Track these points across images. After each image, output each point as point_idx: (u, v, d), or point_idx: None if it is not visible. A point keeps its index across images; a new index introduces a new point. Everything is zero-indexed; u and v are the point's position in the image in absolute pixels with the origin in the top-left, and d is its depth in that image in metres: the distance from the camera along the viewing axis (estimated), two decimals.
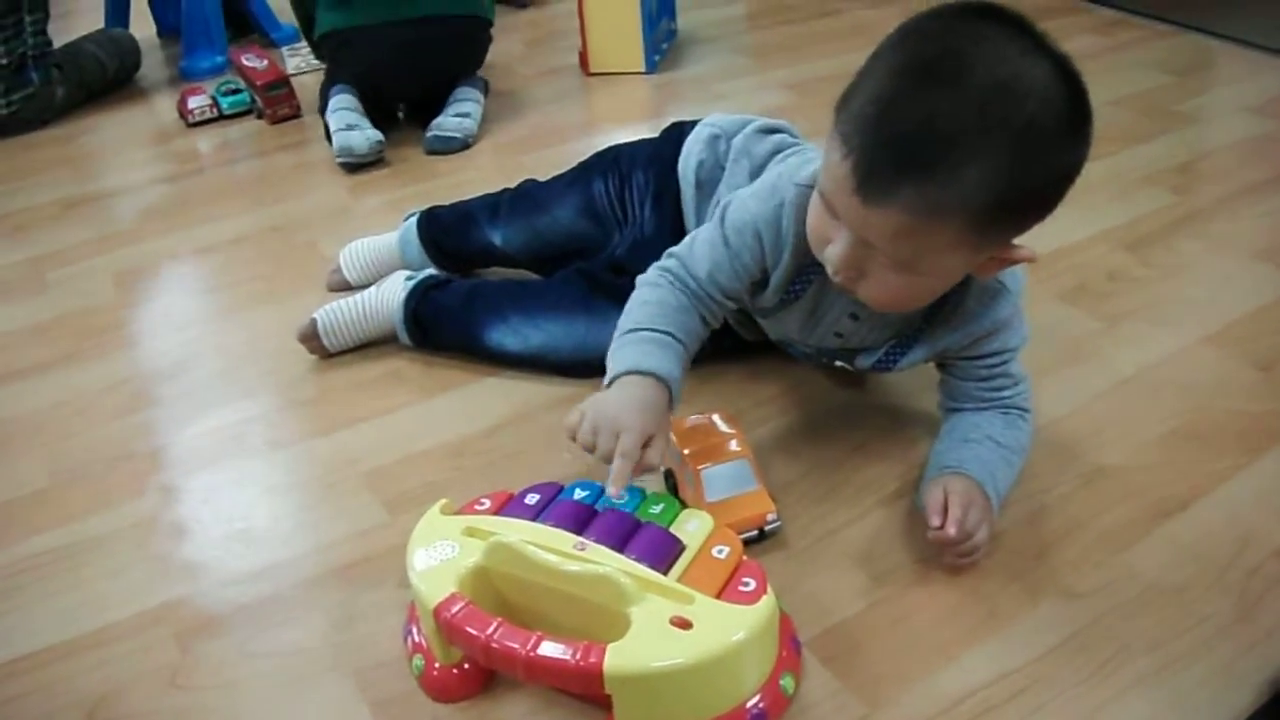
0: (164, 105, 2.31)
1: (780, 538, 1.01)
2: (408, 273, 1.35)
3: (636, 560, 0.83)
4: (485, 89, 2.09)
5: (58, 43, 2.26)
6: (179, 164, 2.02)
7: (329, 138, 1.90)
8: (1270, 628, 0.89)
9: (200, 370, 1.36)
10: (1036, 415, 1.07)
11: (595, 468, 0.95)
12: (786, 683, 0.84)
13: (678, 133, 1.30)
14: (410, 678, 0.89)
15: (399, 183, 1.84)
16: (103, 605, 1.00)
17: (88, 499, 1.14)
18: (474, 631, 0.80)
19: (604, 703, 0.79)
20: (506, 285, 1.34)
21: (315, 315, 1.32)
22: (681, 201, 1.25)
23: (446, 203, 1.47)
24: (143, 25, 2.66)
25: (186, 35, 2.48)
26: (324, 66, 2.12)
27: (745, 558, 0.87)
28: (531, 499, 0.93)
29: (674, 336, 0.98)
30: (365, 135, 1.85)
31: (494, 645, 0.79)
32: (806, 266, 1.00)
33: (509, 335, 1.26)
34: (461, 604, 0.82)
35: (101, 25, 2.54)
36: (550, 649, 0.77)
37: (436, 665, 0.87)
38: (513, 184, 1.44)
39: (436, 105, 1.99)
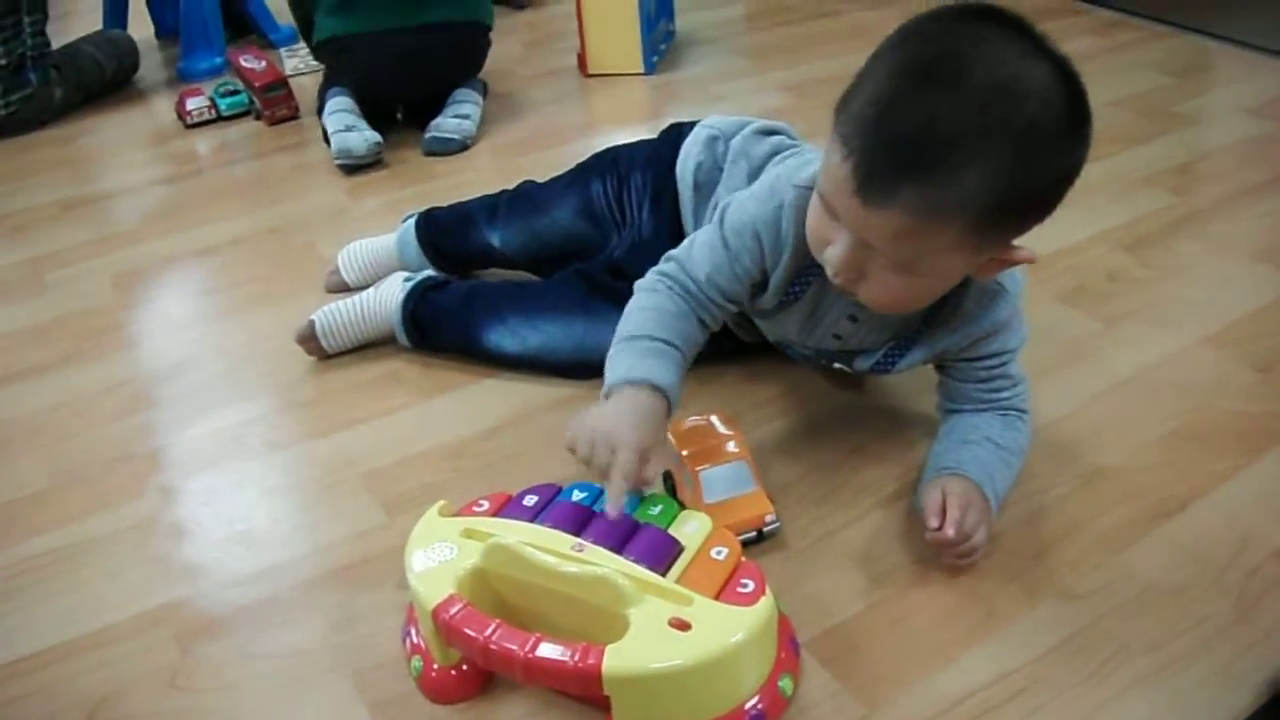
0: (162, 106, 2.32)
1: (779, 539, 1.01)
2: (406, 274, 1.35)
3: (635, 562, 0.83)
4: (484, 90, 2.09)
5: (56, 44, 2.26)
6: (177, 165, 2.02)
7: (326, 140, 1.90)
8: (1269, 628, 0.89)
9: (199, 372, 1.36)
10: (1035, 416, 1.08)
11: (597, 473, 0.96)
12: (785, 684, 0.84)
13: (676, 134, 1.30)
14: (409, 679, 0.89)
15: (397, 184, 1.84)
16: (102, 606, 1.00)
17: (87, 500, 1.14)
18: (472, 633, 0.80)
19: (602, 704, 0.79)
20: (505, 287, 1.34)
21: (313, 317, 1.32)
22: (679, 203, 1.25)
23: (445, 204, 1.47)
24: (141, 26, 2.66)
25: (185, 36, 2.48)
26: (322, 68, 2.12)
27: (744, 559, 0.87)
28: (530, 500, 0.93)
29: (671, 344, 0.98)
30: (363, 137, 1.85)
31: (492, 646, 0.79)
32: (806, 268, 1.00)
33: (507, 336, 1.26)
34: (460, 605, 0.82)
35: (100, 26, 2.54)
36: (549, 650, 0.77)
37: (435, 666, 0.87)
38: (511, 185, 1.45)
39: (435, 107, 1.99)
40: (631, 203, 1.31)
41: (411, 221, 1.45)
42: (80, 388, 1.34)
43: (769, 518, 0.99)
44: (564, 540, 0.86)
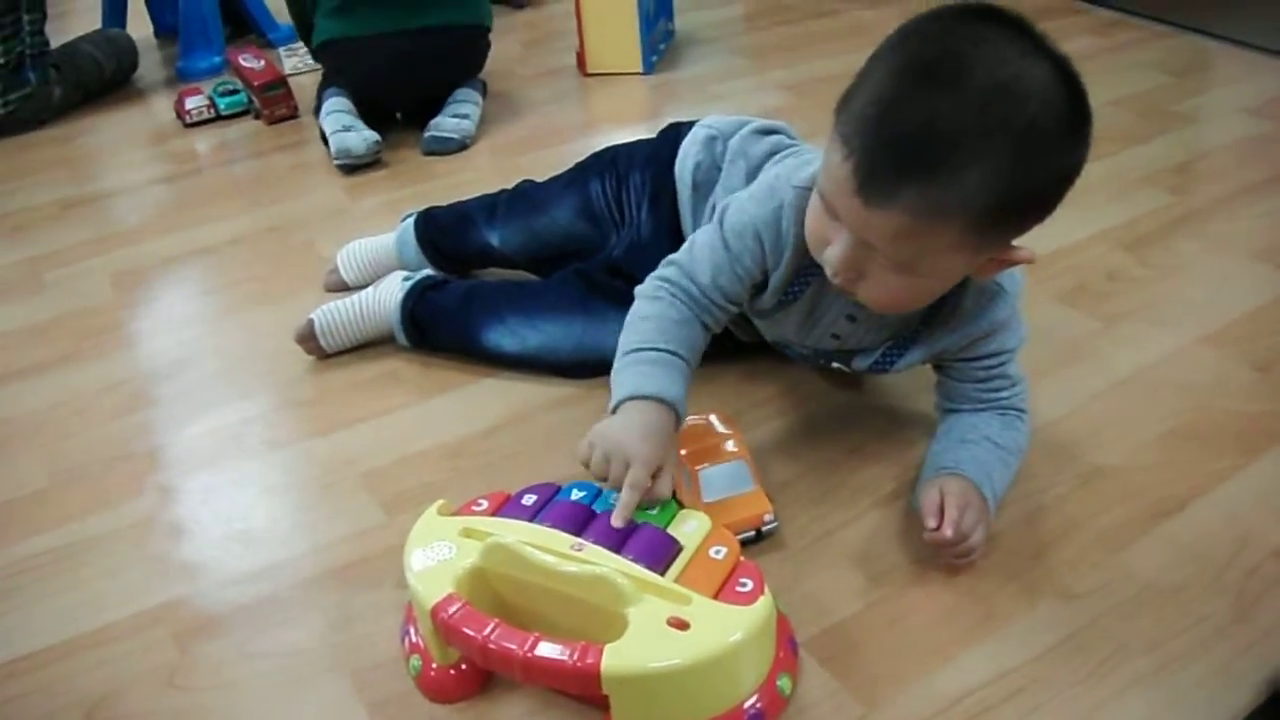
0: (161, 106, 2.32)
1: (777, 538, 1.01)
2: (405, 273, 1.35)
3: (634, 561, 0.83)
4: (483, 90, 2.09)
5: (55, 43, 2.26)
6: (176, 164, 2.02)
7: (324, 141, 1.90)
8: (1268, 628, 0.89)
9: (198, 371, 1.36)
10: (1034, 416, 1.08)
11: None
12: (784, 683, 0.84)
13: (674, 134, 1.30)
14: (408, 678, 0.89)
15: (396, 183, 1.84)
16: (101, 605, 1.00)
17: (86, 499, 1.14)
18: (471, 632, 0.80)
19: (601, 703, 0.79)
20: (504, 286, 1.34)
21: (313, 316, 1.32)
22: (678, 202, 1.25)
23: (444, 203, 1.47)
24: (140, 25, 2.66)
25: (184, 35, 2.48)
26: (321, 68, 2.12)
27: (742, 558, 0.87)
28: (529, 500, 0.93)
29: (675, 353, 0.98)
30: (362, 136, 1.85)
31: (491, 646, 0.79)
32: (805, 268, 1.00)
33: (506, 336, 1.26)
34: (459, 605, 0.82)
35: (99, 25, 2.54)
36: (548, 649, 0.77)
37: (434, 666, 0.87)
38: (510, 185, 1.44)
39: (434, 107, 1.99)
40: (630, 202, 1.31)
41: (410, 221, 1.45)
42: (79, 387, 1.34)
43: (768, 517, 0.99)
44: (563, 539, 0.86)
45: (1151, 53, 2.20)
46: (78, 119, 2.26)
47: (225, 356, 1.38)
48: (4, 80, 2.12)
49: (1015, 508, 1.03)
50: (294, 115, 2.15)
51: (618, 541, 0.86)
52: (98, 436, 1.24)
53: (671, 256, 1.05)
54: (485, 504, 0.94)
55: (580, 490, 0.94)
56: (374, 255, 1.47)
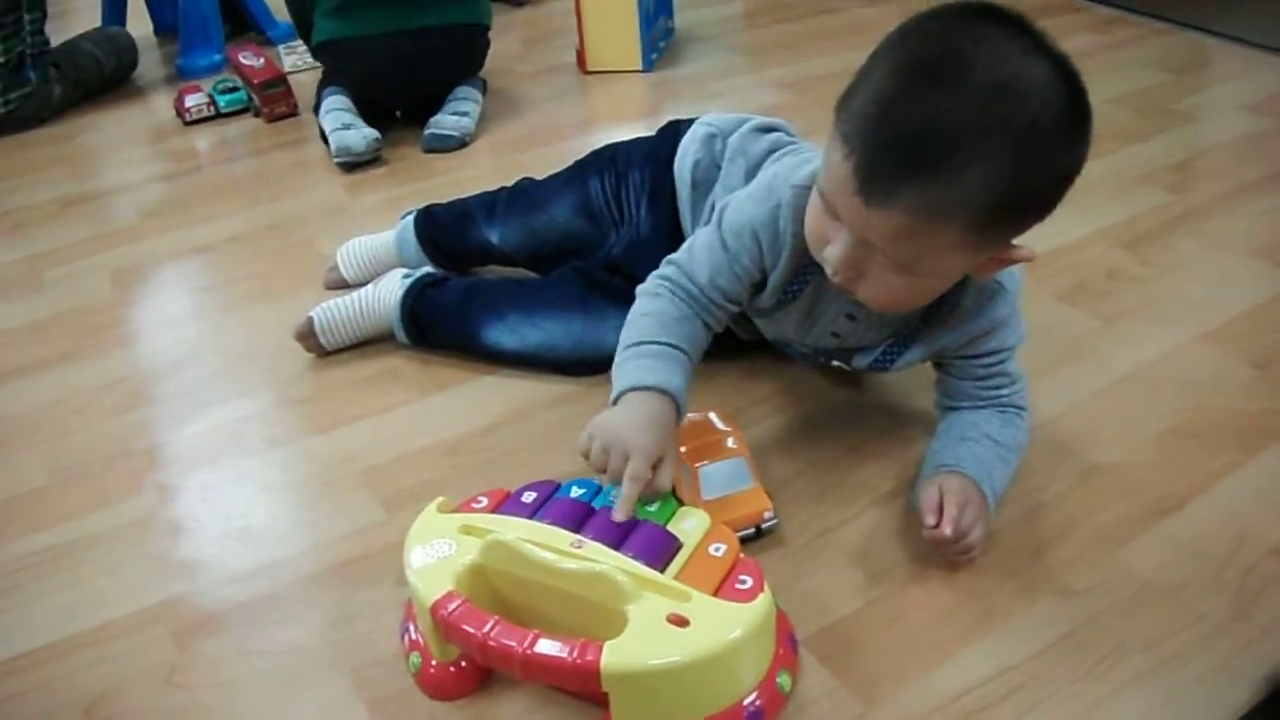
0: (161, 103, 2.31)
1: (777, 536, 1.01)
2: (405, 271, 1.35)
3: (633, 558, 0.83)
4: (483, 88, 2.09)
5: (55, 41, 2.26)
6: (176, 162, 2.02)
7: (324, 139, 1.90)
8: (1266, 625, 0.89)
9: (198, 368, 1.36)
10: (1034, 413, 1.08)
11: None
12: (783, 680, 0.84)
13: (674, 131, 1.30)
14: (407, 675, 0.89)
15: (396, 181, 1.84)
16: (101, 603, 1.00)
17: (86, 497, 1.14)
18: (471, 629, 0.80)
19: (601, 700, 0.79)
20: (504, 283, 1.34)
21: (312, 313, 1.32)
22: (677, 200, 1.25)
23: (444, 201, 1.47)
24: (140, 23, 2.66)
25: (183, 33, 2.48)
26: (320, 66, 2.12)
27: (742, 555, 0.87)
28: (528, 497, 0.93)
29: (676, 347, 0.98)
30: (362, 134, 1.85)
31: (491, 643, 0.79)
32: (804, 267, 1.00)
33: (506, 333, 1.26)
34: (458, 602, 0.82)
35: (98, 24, 2.54)
36: (547, 647, 0.77)
37: (433, 663, 0.87)
38: (510, 182, 1.44)
39: (434, 105, 1.99)
40: (629, 200, 1.31)
41: (410, 218, 1.45)
42: (79, 385, 1.34)
43: (767, 514, 0.99)
44: (562, 537, 0.86)
45: (1151, 50, 2.20)
46: (78, 117, 2.26)
47: (225, 354, 1.38)
48: (4, 79, 2.12)
49: (1014, 505, 1.03)
50: (294, 113, 2.15)
51: (617, 538, 0.86)
52: (97, 434, 1.24)
53: (671, 256, 1.05)
54: (485, 501, 0.94)
55: (580, 487, 0.94)
56: (374, 253, 1.47)
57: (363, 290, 1.34)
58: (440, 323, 1.30)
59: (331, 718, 0.88)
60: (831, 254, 0.89)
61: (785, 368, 1.24)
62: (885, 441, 1.13)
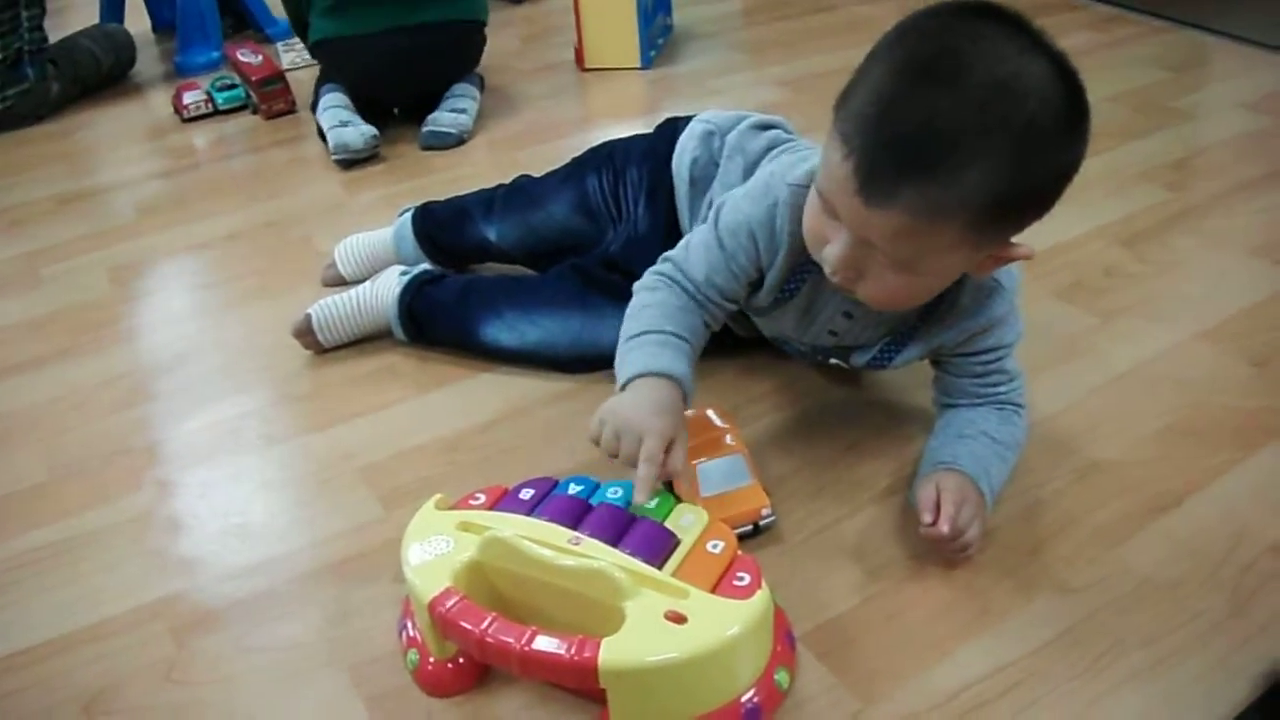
0: (159, 101, 2.31)
1: (775, 533, 1.01)
2: (402, 268, 1.35)
3: (631, 555, 0.83)
4: (481, 85, 2.09)
5: (53, 38, 2.26)
6: (174, 159, 2.02)
7: (322, 136, 1.90)
8: (1264, 622, 0.89)
9: (196, 365, 1.36)
10: (1031, 411, 1.08)
11: (601, 465, 0.96)
12: (781, 677, 0.84)
13: (672, 129, 1.30)
14: (405, 672, 0.89)
15: (394, 178, 1.84)
16: (99, 600, 1.00)
17: (84, 494, 1.14)
18: (468, 626, 0.80)
19: (599, 697, 0.79)
20: (501, 281, 1.34)
21: (310, 310, 1.32)
22: (675, 198, 1.25)
23: (441, 198, 1.47)
24: (138, 20, 2.65)
25: (181, 30, 2.48)
26: (318, 64, 2.12)
27: (740, 552, 0.87)
28: (526, 494, 0.93)
29: (679, 336, 0.98)
30: (360, 131, 1.85)
31: (488, 640, 0.79)
32: (801, 265, 1.00)
33: (504, 331, 1.26)
34: (456, 598, 0.82)
35: (96, 20, 2.53)
36: (545, 643, 0.77)
37: (431, 660, 0.87)
38: (508, 179, 1.44)
39: (432, 102, 1.99)
40: (627, 197, 1.31)
41: (408, 216, 1.45)
42: (77, 381, 1.34)
43: (765, 511, 0.99)
44: (560, 533, 0.86)
45: (1149, 48, 2.20)
46: (75, 114, 2.25)
47: (223, 351, 1.38)
48: (2, 75, 2.12)
49: (1012, 503, 1.03)
50: (291, 110, 2.15)
51: (615, 535, 0.86)
52: (96, 431, 1.24)
53: (667, 254, 1.05)
54: (483, 498, 0.94)
55: (578, 484, 0.94)
56: (371, 250, 1.47)
57: (360, 287, 1.34)
58: (438, 320, 1.30)
59: (329, 714, 0.88)
60: (831, 253, 0.89)
61: (783, 365, 1.24)
62: (883, 439, 1.13)
